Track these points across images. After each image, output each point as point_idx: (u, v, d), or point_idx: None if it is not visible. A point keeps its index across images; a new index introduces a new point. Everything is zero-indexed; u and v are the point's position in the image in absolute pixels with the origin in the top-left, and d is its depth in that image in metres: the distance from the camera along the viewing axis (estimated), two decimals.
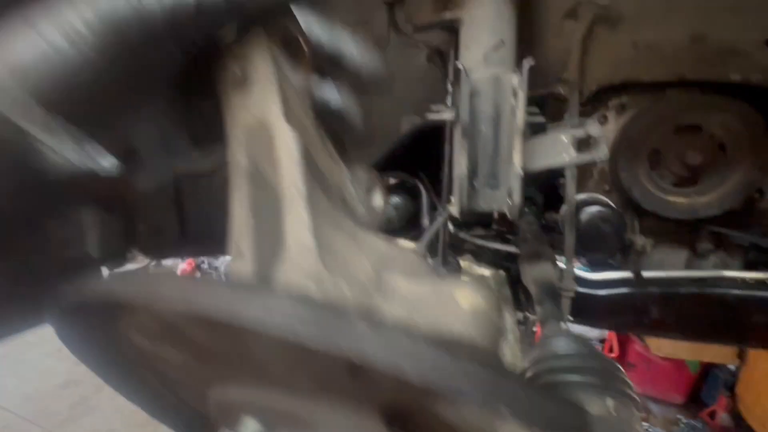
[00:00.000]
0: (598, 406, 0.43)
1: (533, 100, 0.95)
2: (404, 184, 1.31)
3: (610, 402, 0.44)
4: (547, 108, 0.97)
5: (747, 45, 0.73)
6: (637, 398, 0.47)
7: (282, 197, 0.30)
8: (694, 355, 3.79)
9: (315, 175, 0.31)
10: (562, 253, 1.03)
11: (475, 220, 1.17)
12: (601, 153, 0.58)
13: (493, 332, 0.26)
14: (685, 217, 0.90)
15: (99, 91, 0.26)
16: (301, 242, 0.29)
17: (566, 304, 0.88)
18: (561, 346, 0.65)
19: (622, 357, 4.31)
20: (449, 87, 0.84)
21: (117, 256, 0.91)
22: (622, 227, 0.88)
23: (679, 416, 3.98)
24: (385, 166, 1.28)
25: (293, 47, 0.33)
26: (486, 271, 1.17)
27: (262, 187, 0.33)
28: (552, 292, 0.84)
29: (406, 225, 1.26)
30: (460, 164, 0.61)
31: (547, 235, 1.06)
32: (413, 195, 1.32)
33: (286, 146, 0.30)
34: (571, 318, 1.01)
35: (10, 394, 3.34)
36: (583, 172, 1.05)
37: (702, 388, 4.03)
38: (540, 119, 0.79)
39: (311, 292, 0.28)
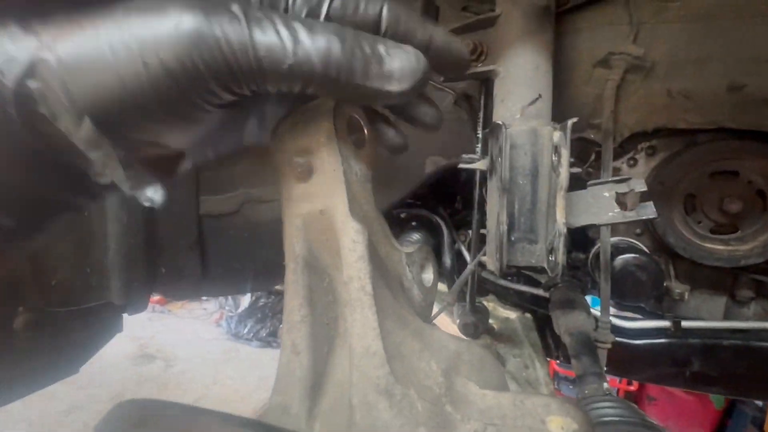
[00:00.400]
0: None
1: None
2: (424, 220, 1.30)
3: None
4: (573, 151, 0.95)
5: None
6: None
7: (346, 294, 0.29)
8: None
9: (378, 267, 0.30)
10: (591, 293, 1.00)
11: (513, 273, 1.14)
12: (649, 212, 0.56)
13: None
14: (725, 265, 0.86)
15: (157, 115, 0.24)
16: (368, 348, 0.27)
17: (603, 356, 0.84)
18: (605, 413, 0.62)
19: (641, 390, 4.14)
20: (479, 134, 0.84)
21: (139, 302, 0.90)
22: (659, 274, 0.84)
23: None
24: (403, 202, 1.28)
25: (357, 135, 0.32)
26: (512, 314, 1.14)
27: (321, 279, 0.31)
28: (588, 344, 0.80)
29: None
30: (500, 221, 0.59)
31: (572, 274, 1.03)
32: (433, 231, 1.30)
33: (352, 242, 0.28)
34: (605, 369, 0.97)
35: (15, 420, 3.30)
36: None
37: (728, 425, 3.84)
38: (576, 170, 0.78)
39: (382, 409, 0.25)
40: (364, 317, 0.27)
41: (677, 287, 0.92)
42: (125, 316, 0.91)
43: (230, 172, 1.05)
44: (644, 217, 0.57)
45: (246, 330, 5.70)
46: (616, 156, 1.00)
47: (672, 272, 0.95)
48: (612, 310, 1.06)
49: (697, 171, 0.87)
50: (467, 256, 1.20)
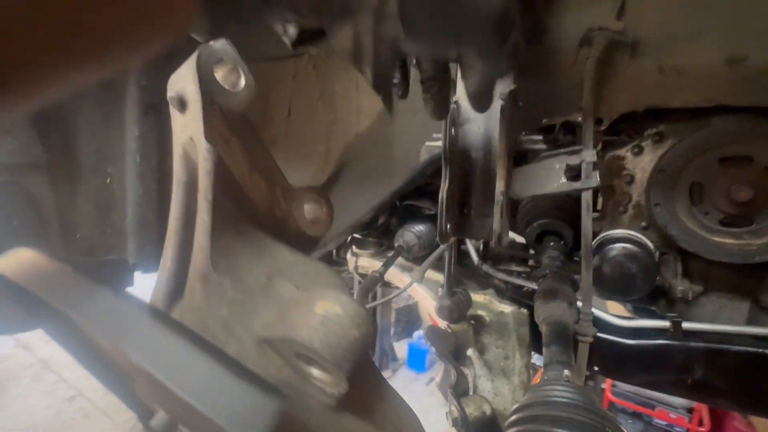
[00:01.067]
0: None
1: (550, 129, 0.91)
2: (425, 212, 1.31)
3: None
4: (569, 135, 0.91)
5: None
6: None
7: (197, 204, 0.34)
8: None
9: (230, 187, 0.35)
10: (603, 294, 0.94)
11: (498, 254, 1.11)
12: (592, 182, 0.53)
13: (340, 338, 0.26)
14: (736, 261, 0.77)
15: None
16: (199, 244, 0.31)
17: (584, 350, 0.79)
18: (553, 393, 0.59)
19: None
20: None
21: (150, 263, 1.03)
22: (651, 268, 0.77)
23: None
24: (408, 194, 1.30)
25: (230, 72, 0.37)
26: (507, 308, 1.10)
27: (193, 196, 0.37)
28: (562, 335, 0.76)
29: (430, 252, 1.24)
30: (443, 192, 0.61)
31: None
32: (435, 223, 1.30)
33: (203, 159, 0.33)
34: (596, 368, 0.90)
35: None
36: (616, 206, 0.95)
37: None
38: (542, 146, 0.75)
39: (196, 290, 0.30)
40: (202, 220, 0.32)
41: (681, 285, 0.83)
42: None
43: None
44: (587, 187, 0.54)
45: None
46: (621, 144, 0.94)
47: (679, 269, 0.86)
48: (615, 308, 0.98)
49: (705, 156, 0.79)
50: (471, 249, 1.19)
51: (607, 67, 0.77)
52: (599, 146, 1.00)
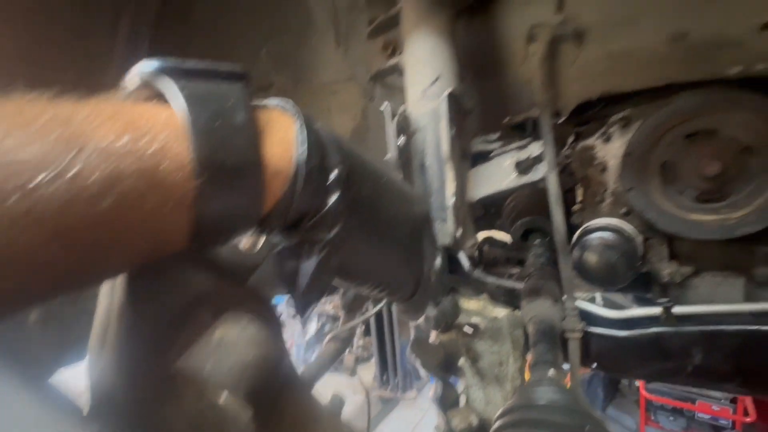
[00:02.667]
0: None
1: (515, 127, 0.91)
2: None
3: None
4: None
5: (739, 33, 0.63)
6: None
7: None
8: None
9: None
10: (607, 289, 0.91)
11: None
12: (537, 174, 0.53)
13: (234, 362, 0.26)
14: (717, 237, 0.74)
15: None
16: (114, 280, 0.32)
17: (574, 346, 0.76)
18: (536, 396, 0.57)
19: (766, 421, 3.37)
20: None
21: None
22: (631, 254, 0.75)
23: None
24: None
25: None
26: (501, 312, 1.07)
27: None
28: (548, 333, 0.73)
29: None
30: None
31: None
32: None
33: None
34: (594, 365, 0.86)
35: None
36: (594, 196, 0.94)
37: None
38: (494, 146, 0.75)
39: (111, 325, 0.31)
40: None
41: (668, 268, 0.81)
42: None
43: None
44: (535, 179, 0.54)
45: (314, 356, 5.92)
46: (591, 134, 0.93)
47: (664, 252, 0.83)
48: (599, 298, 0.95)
49: (671, 135, 0.78)
50: (462, 255, 1.18)
51: (557, 59, 0.78)
52: (571, 138, 1.00)
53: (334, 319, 6.39)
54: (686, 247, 0.85)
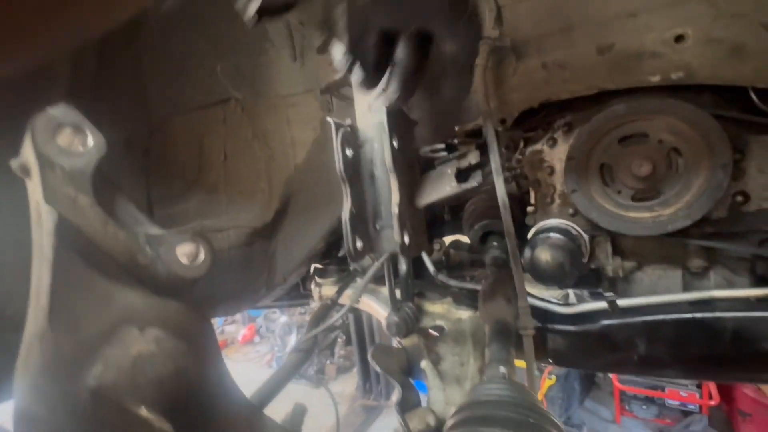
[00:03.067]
0: None
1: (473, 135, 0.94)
2: None
3: None
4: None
5: (656, 45, 0.69)
6: None
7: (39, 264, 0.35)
8: None
9: (78, 243, 0.36)
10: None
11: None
12: (474, 181, 0.56)
13: (150, 377, 0.26)
14: (651, 233, 0.79)
15: None
16: (38, 303, 0.32)
17: (528, 344, 0.79)
18: (485, 393, 0.59)
19: (729, 404, 3.55)
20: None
21: None
22: (576, 253, 0.80)
23: None
24: None
25: (73, 135, 0.39)
26: (464, 314, 1.10)
27: (38, 257, 0.37)
28: (502, 332, 0.76)
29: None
30: (345, 213, 0.62)
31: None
32: None
33: (44, 221, 0.35)
34: (550, 360, 0.90)
35: None
36: (544, 198, 0.99)
37: None
38: (443, 154, 0.78)
39: (33, 349, 0.30)
40: (40, 279, 0.33)
41: (612, 264, 0.85)
42: None
43: (183, 208, 1.17)
44: (471, 185, 0.57)
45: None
46: (538, 139, 0.98)
47: (609, 249, 0.88)
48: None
49: (607, 139, 0.83)
50: (426, 260, 1.20)
51: (500, 70, 0.82)
52: (521, 144, 1.05)
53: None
54: (629, 243, 0.90)
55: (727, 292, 0.73)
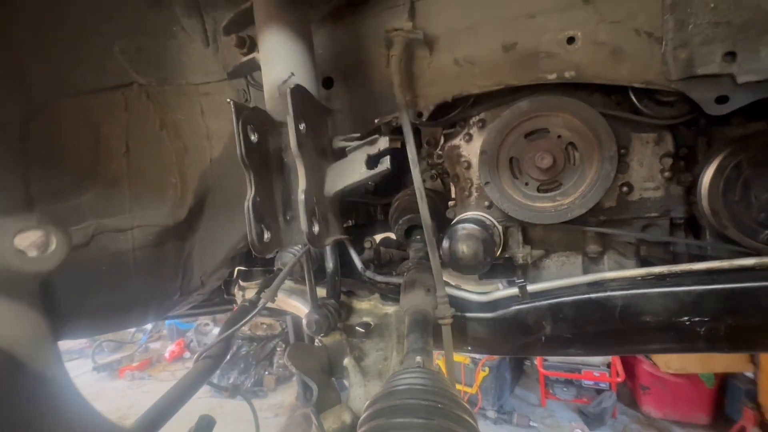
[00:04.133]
0: None
1: (388, 129, 0.95)
2: None
3: None
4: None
5: (551, 46, 0.74)
6: None
7: None
8: (704, 367, 3.53)
9: None
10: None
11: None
12: (383, 166, 0.55)
13: None
14: (554, 221, 0.86)
15: None
16: None
17: (446, 332, 0.81)
18: (398, 383, 0.58)
19: (632, 380, 4.00)
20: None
21: None
22: (488, 242, 0.83)
23: None
24: None
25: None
26: (390, 309, 1.10)
27: None
28: (420, 322, 0.77)
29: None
30: (247, 201, 0.58)
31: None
32: None
33: None
34: (469, 348, 0.93)
35: None
36: (462, 191, 1.02)
37: (725, 403, 3.71)
38: (355, 143, 0.77)
39: None
40: None
41: (521, 252, 0.91)
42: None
43: (76, 204, 1.03)
44: (381, 170, 0.56)
45: (230, 382, 5.45)
46: (456, 135, 1.02)
47: (520, 238, 0.94)
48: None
49: (514, 134, 0.88)
50: (354, 256, 1.17)
51: (414, 64, 0.83)
52: (441, 140, 1.08)
53: (251, 339, 5.98)
54: (537, 233, 0.97)
55: (616, 273, 0.81)
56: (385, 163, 0.56)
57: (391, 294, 1.12)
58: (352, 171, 0.59)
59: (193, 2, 0.96)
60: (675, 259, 0.86)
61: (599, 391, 3.98)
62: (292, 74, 0.65)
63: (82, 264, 1.03)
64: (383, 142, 0.58)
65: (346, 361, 0.84)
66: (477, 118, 0.95)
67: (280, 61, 0.66)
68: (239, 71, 0.80)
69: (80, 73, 0.99)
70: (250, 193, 0.58)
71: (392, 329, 1.00)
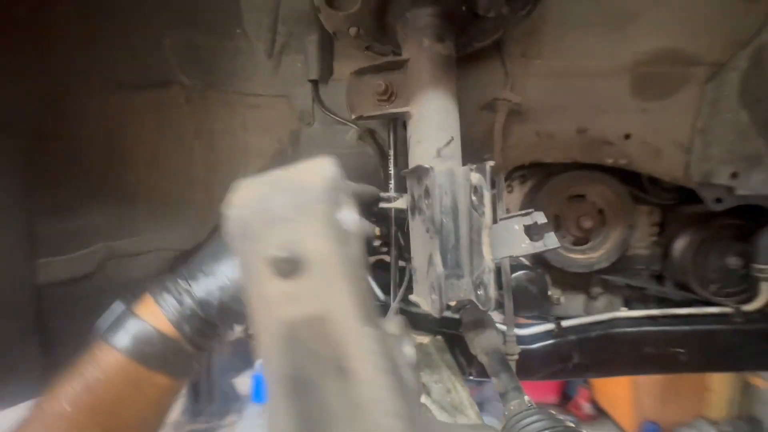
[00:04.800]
0: None
1: None
2: None
3: None
4: None
5: (614, 137, 0.94)
6: None
7: (363, 415, 0.23)
8: None
9: (395, 373, 0.25)
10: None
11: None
12: (553, 242, 0.63)
13: None
14: (584, 270, 1.06)
15: None
16: None
17: (513, 367, 0.93)
18: (537, 426, 0.67)
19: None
20: (390, 170, 0.84)
21: None
22: (544, 285, 0.98)
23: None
24: None
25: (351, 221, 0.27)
26: (424, 339, 1.17)
27: (310, 396, 0.25)
28: (503, 361, 0.87)
29: None
30: (434, 262, 0.60)
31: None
32: None
33: (367, 352, 0.23)
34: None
35: None
36: None
37: (567, 385, 4.74)
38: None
39: None
40: None
41: (555, 293, 1.09)
42: None
43: (83, 224, 0.81)
44: (551, 247, 0.65)
45: None
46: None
47: (550, 281, 1.12)
48: None
49: (559, 196, 1.06)
50: (379, 293, 1.18)
51: (504, 129, 0.94)
52: None
53: None
54: (555, 276, 1.17)
55: (627, 313, 1.05)
56: (554, 241, 0.64)
57: (421, 324, 1.18)
58: (514, 242, 0.65)
59: (272, 8, 0.87)
60: (645, 301, 1.16)
61: None
62: (452, 138, 0.68)
63: (88, 297, 0.81)
64: (541, 218, 0.67)
65: (423, 399, 0.88)
66: (520, 174, 1.11)
67: (441, 123, 0.69)
68: (379, 118, 0.77)
69: (113, 64, 0.79)
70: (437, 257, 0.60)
71: (436, 359, 1.06)
